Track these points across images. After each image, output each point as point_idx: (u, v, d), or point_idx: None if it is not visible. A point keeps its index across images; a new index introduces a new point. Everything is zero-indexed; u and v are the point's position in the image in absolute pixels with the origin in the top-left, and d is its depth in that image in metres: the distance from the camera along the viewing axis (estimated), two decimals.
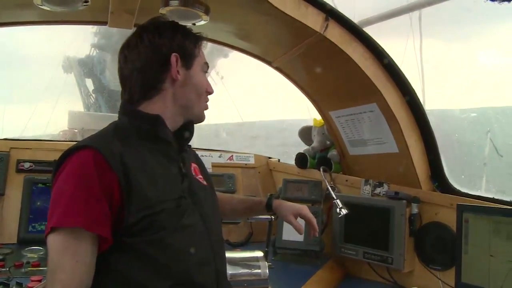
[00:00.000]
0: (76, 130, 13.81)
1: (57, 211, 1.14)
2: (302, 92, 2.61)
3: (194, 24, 1.97)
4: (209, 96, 1.45)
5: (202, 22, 1.95)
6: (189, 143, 1.47)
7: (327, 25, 1.92)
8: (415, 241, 2.17)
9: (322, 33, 1.92)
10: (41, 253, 2.13)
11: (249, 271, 1.85)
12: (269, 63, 2.48)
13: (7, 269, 1.92)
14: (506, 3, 1.28)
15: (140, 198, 1.18)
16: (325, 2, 1.93)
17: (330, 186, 2.39)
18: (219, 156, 3.02)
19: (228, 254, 1.92)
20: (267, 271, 1.87)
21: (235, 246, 2.56)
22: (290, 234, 2.42)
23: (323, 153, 2.79)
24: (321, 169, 2.52)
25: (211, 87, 1.45)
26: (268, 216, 2.31)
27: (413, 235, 2.16)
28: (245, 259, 1.90)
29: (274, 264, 2.25)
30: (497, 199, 1.99)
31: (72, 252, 1.12)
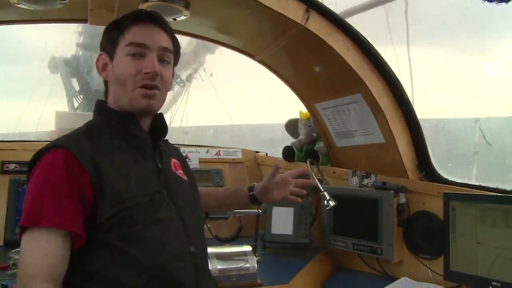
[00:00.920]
0: (65, 132, 13.61)
1: (29, 211, 1.17)
2: (287, 85, 2.60)
3: (175, 19, 1.95)
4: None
5: (183, 17, 1.94)
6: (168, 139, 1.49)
7: (308, 16, 1.90)
8: (403, 231, 2.17)
9: (303, 24, 1.91)
10: None
11: (238, 266, 1.85)
12: (252, 56, 2.46)
13: None
14: (503, 4, 1.28)
15: (112, 194, 1.18)
16: None
17: (318, 179, 2.38)
18: (206, 152, 3.00)
19: (217, 249, 1.92)
20: (256, 265, 1.88)
21: (224, 242, 2.55)
22: (279, 227, 2.41)
23: (310, 145, 2.78)
24: (308, 162, 2.51)
25: (144, 67, 1.28)
26: (256, 210, 2.31)
27: (401, 225, 2.16)
28: (233, 254, 1.91)
29: (264, 258, 2.25)
30: (484, 186, 2.00)
31: (41, 247, 1.12)
